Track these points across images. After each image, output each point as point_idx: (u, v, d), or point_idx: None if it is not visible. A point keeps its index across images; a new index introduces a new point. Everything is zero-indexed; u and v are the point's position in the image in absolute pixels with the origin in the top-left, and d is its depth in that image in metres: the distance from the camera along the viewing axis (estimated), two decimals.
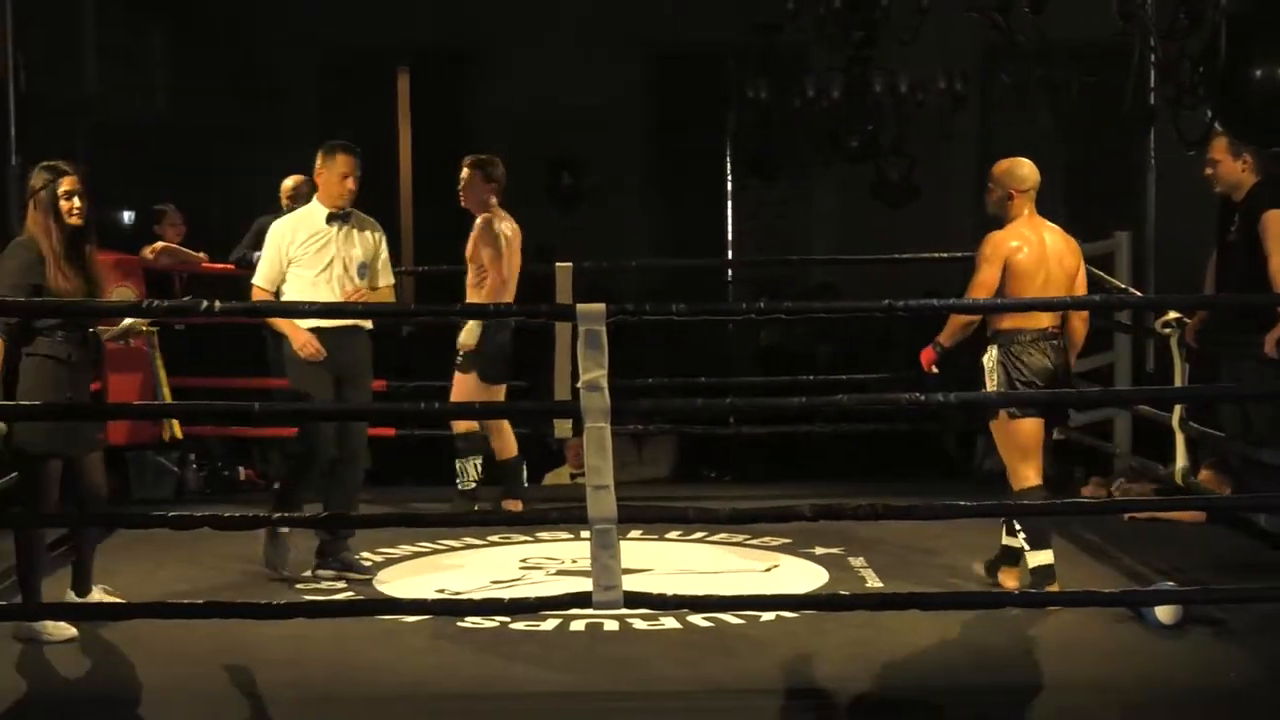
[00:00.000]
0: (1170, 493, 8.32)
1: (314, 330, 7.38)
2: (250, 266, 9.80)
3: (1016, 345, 6.91)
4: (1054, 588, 6.93)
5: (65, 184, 6.36)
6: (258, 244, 9.85)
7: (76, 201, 6.35)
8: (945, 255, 10.74)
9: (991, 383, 6.94)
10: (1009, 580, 7.14)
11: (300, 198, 9.88)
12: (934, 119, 11.98)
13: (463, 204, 8.72)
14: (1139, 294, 9.46)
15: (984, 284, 6.91)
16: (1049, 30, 9.84)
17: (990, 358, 6.97)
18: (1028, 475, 6.96)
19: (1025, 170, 7.10)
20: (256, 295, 7.48)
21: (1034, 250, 6.98)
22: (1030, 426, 6.96)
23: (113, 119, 12.37)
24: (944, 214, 13.43)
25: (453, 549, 8.11)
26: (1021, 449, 6.98)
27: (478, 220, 8.63)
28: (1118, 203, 12.58)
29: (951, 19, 11.37)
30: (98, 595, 6.77)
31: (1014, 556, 7.14)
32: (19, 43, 9.53)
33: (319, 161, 7.55)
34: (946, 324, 7.05)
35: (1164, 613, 6.47)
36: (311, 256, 7.46)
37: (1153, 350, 10.10)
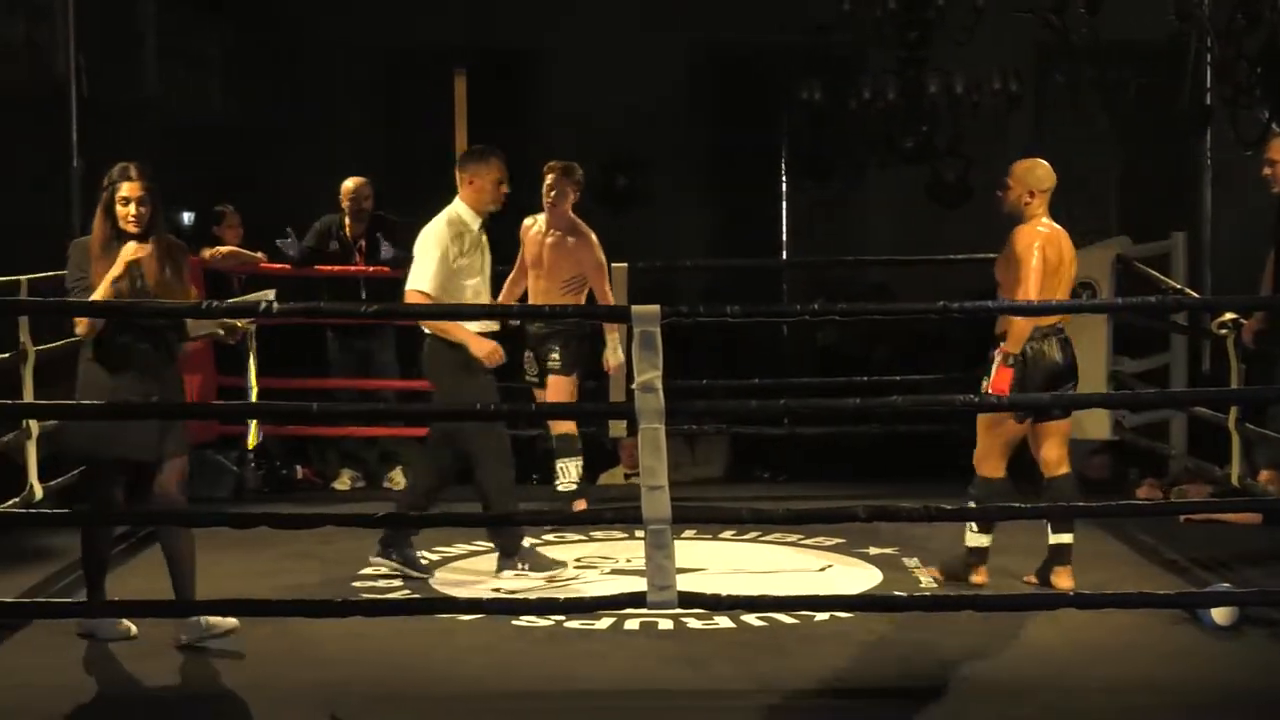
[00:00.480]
0: (1226, 494, 8.29)
1: (483, 336, 7.35)
2: (288, 258, 9.88)
3: (1030, 341, 6.98)
4: (980, 576, 7.12)
5: (125, 189, 6.31)
6: (320, 244, 9.94)
7: (133, 209, 6.27)
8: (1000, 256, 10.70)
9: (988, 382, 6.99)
10: (1063, 581, 7.14)
11: (360, 200, 9.96)
12: (989, 119, 11.94)
13: (552, 211, 8.59)
14: (1195, 295, 9.42)
15: (1037, 283, 6.92)
16: (1104, 30, 9.83)
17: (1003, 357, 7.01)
18: (999, 467, 7.10)
19: (1044, 171, 7.17)
20: (417, 300, 7.26)
21: (1056, 249, 7.05)
22: (1019, 423, 7.07)
23: (173, 120, 12.45)
24: (999, 215, 13.37)
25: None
26: (1005, 443, 7.10)
27: (578, 231, 8.53)
28: (1173, 203, 12.53)
29: (1006, 19, 11.36)
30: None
31: (1063, 555, 7.14)
32: (81, 45, 9.61)
33: (471, 166, 7.39)
34: (1013, 332, 6.98)
35: (1220, 614, 6.45)
36: (471, 263, 7.36)
37: (1209, 351, 10.06)
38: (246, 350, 6.62)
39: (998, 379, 6.95)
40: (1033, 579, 7.27)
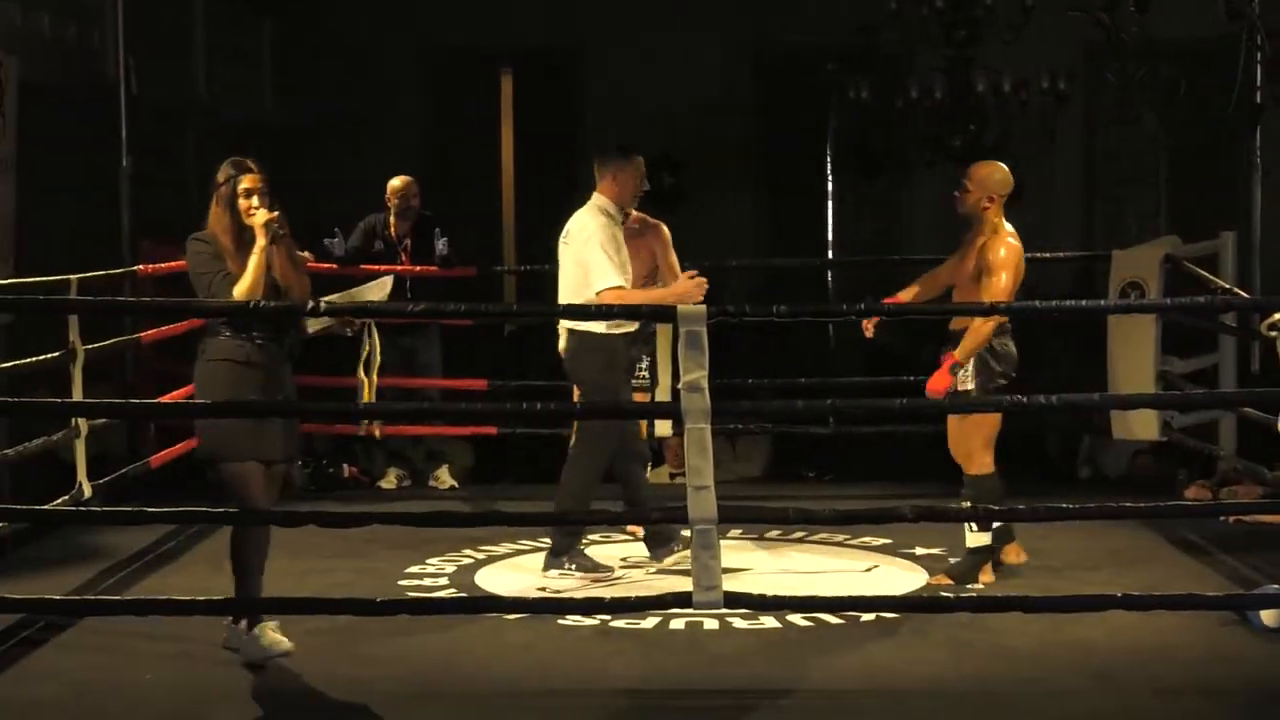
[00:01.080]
0: (1276, 495, 8.23)
1: (621, 334, 7.42)
2: (333, 257, 9.90)
3: (997, 337, 7.09)
4: (987, 577, 7.16)
5: (245, 181, 6.27)
6: (364, 243, 9.96)
7: (255, 200, 6.24)
8: (1049, 255, 10.67)
9: (970, 378, 7.09)
10: (1012, 557, 7.32)
11: (408, 199, 9.97)
12: (1037, 119, 11.89)
13: (633, 204, 8.43)
14: (1244, 295, 9.36)
15: (1009, 292, 7.07)
16: (1154, 29, 9.78)
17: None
18: (988, 462, 7.18)
19: (1004, 175, 7.30)
20: (613, 298, 7.23)
21: (1022, 261, 7.21)
22: (998, 415, 7.17)
23: (220, 119, 12.50)
24: (1047, 214, 13.34)
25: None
26: (988, 436, 7.18)
27: (659, 226, 8.37)
28: (1223, 202, 12.45)
29: (1055, 18, 11.31)
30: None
31: (1005, 535, 7.30)
32: (130, 46, 9.65)
33: (614, 163, 7.49)
34: (972, 341, 7.04)
35: (1269, 616, 6.41)
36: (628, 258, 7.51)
37: (1258, 352, 9.99)
38: (364, 343, 6.55)
39: (938, 381, 7.02)
40: (945, 579, 7.33)
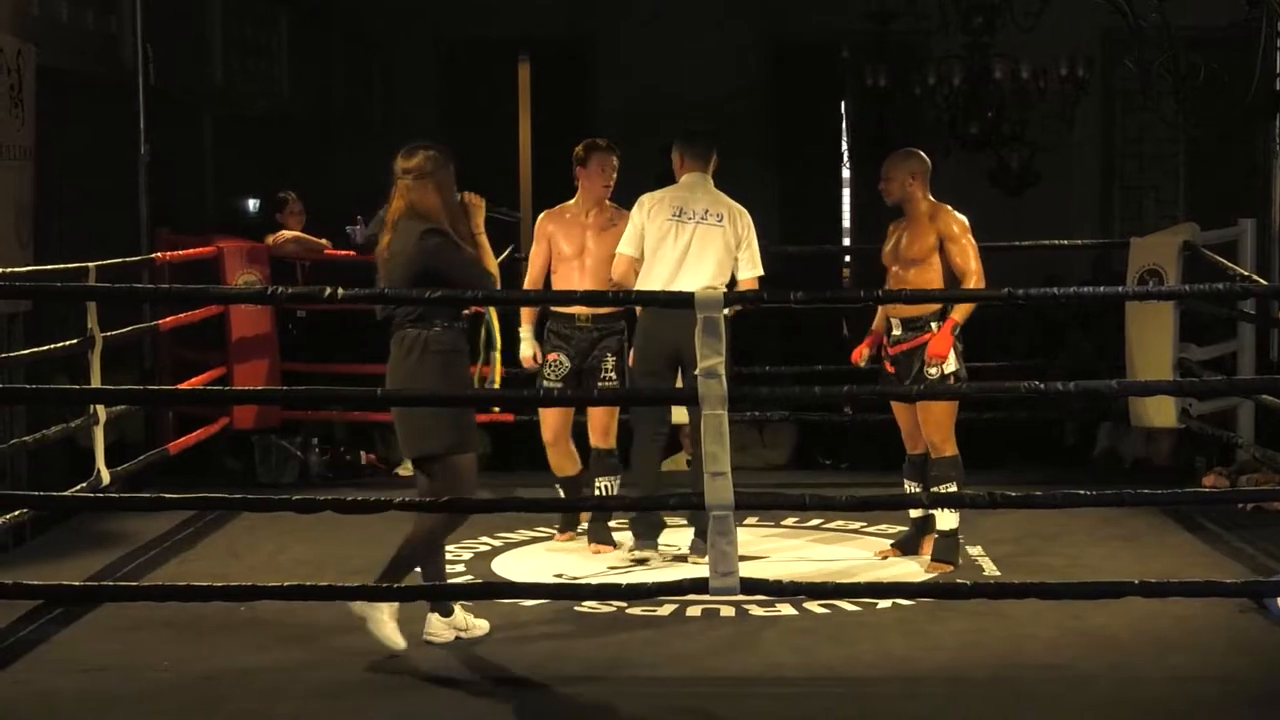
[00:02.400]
0: None
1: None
2: (352, 244, 9.89)
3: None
4: (928, 547, 7.35)
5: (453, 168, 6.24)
6: (382, 230, 9.93)
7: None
8: (1066, 242, 10.66)
9: (955, 359, 7.20)
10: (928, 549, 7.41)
11: None
12: (1056, 106, 11.86)
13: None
14: (1263, 282, 9.33)
15: (979, 258, 7.33)
16: (1173, 16, 9.74)
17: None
18: (952, 446, 7.24)
19: (918, 154, 7.50)
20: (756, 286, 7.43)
21: None
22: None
23: (238, 108, 12.52)
24: (1065, 201, 13.32)
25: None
26: (950, 422, 7.24)
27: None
28: (1242, 190, 12.42)
29: (1074, 5, 11.28)
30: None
31: (929, 527, 7.39)
32: (148, 35, 9.66)
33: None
34: (967, 306, 7.24)
35: None
36: None
37: (1277, 339, 9.96)
38: (487, 326, 6.48)
39: (941, 344, 7.15)
40: (894, 552, 7.51)
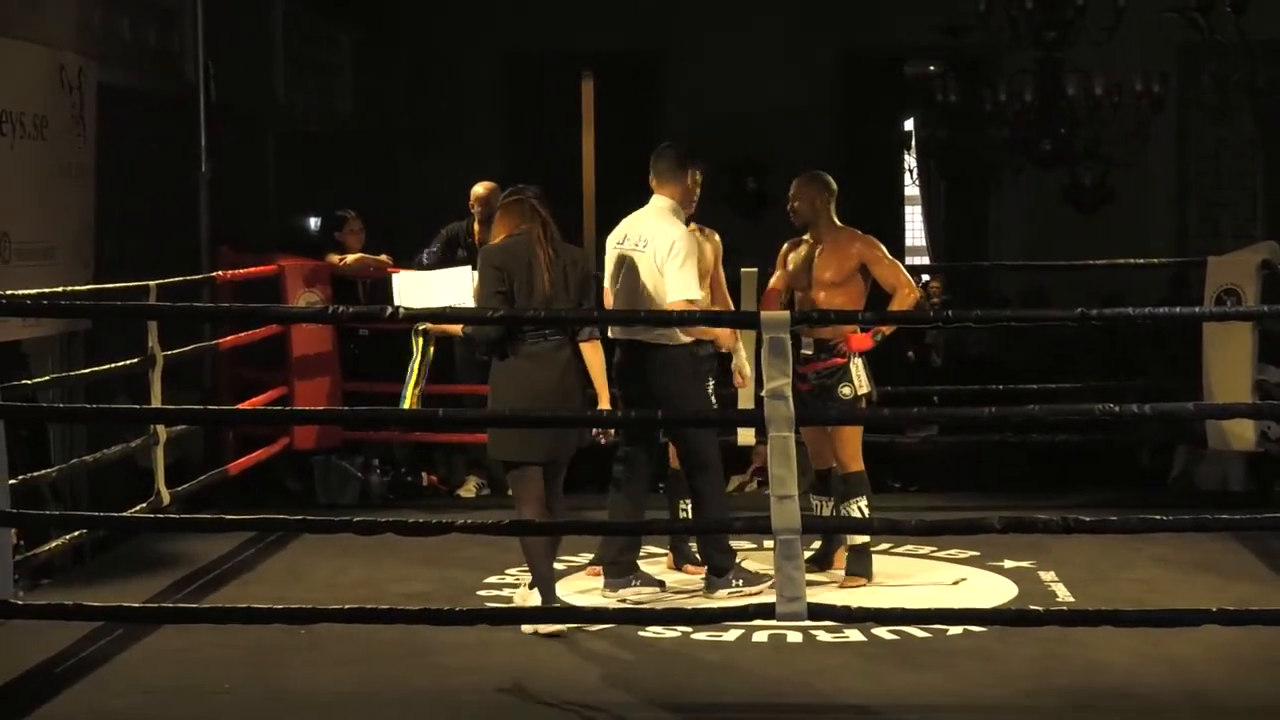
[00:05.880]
0: None
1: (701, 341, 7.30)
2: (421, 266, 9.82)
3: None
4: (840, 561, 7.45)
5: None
6: (446, 251, 9.84)
7: None
8: (1142, 261, 10.51)
9: (861, 383, 7.38)
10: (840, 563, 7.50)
11: (491, 205, 9.88)
12: (1130, 122, 11.71)
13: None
14: None
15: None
16: (1251, 30, 9.61)
17: (856, 359, 7.40)
18: (859, 462, 7.46)
19: (822, 177, 7.58)
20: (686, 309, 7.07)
21: None
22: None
23: (299, 125, 12.50)
24: (1140, 219, 13.16)
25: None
26: (859, 441, 7.48)
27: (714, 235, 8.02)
28: None
29: (1149, 19, 11.13)
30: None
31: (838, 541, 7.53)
32: (209, 51, 9.66)
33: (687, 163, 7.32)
34: (903, 311, 7.44)
35: None
36: None
37: None
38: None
39: (862, 340, 7.34)
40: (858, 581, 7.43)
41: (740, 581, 7.17)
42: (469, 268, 6.79)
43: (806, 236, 7.58)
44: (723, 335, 7.36)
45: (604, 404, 6.75)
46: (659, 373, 7.16)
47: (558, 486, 6.76)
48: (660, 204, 7.26)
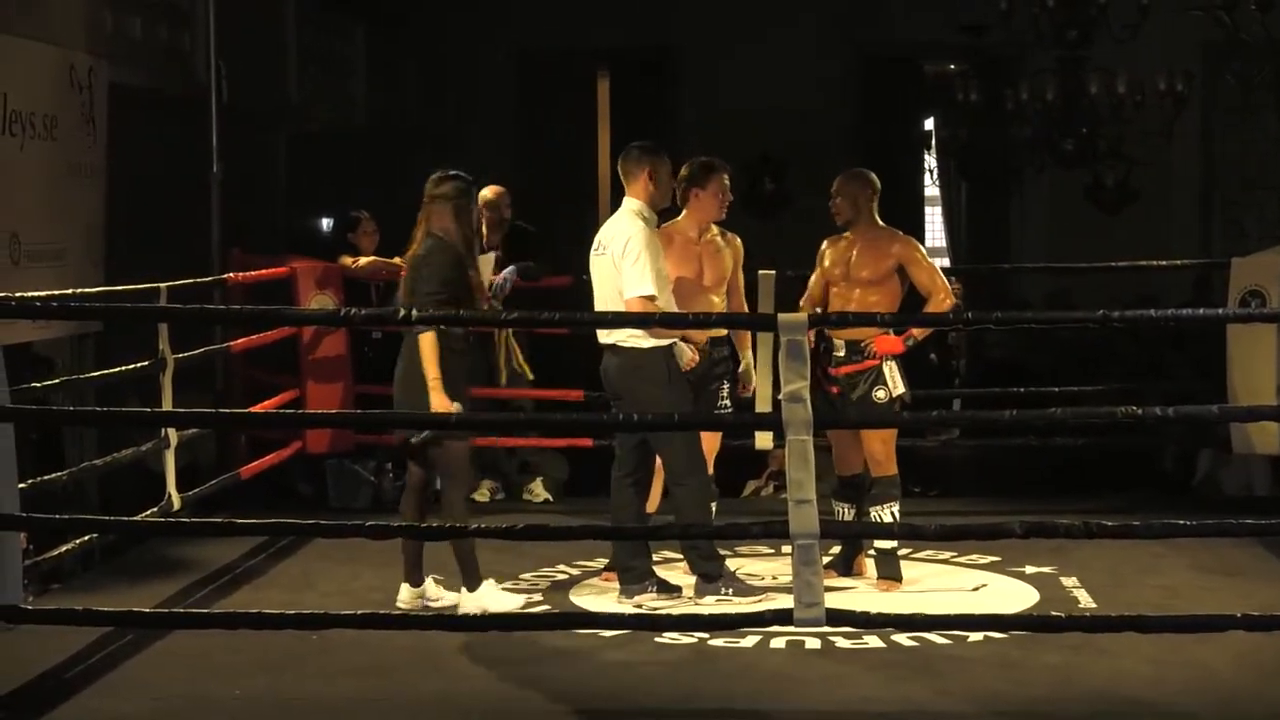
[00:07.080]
0: None
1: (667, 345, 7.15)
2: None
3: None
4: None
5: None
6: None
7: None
8: (1165, 263, 10.44)
9: (896, 385, 7.33)
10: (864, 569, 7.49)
11: (499, 209, 9.83)
12: (1154, 121, 11.63)
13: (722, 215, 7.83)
14: None
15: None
16: (1276, 28, 9.53)
17: (890, 361, 7.34)
18: (893, 465, 7.40)
19: (866, 174, 7.58)
20: (642, 307, 6.91)
21: None
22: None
23: (311, 126, 12.46)
24: (1163, 219, 13.07)
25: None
26: (893, 441, 7.42)
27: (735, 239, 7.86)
28: None
29: (1173, 17, 11.04)
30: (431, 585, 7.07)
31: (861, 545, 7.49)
32: (221, 51, 9.62)
33: (650, 160, 7.23)
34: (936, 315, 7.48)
35: None
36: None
37: None
38: None
39: (891, 343, 7.29)
40: (831, 574, 7.33)
41: (730, 591, 7.10)
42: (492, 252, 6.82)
43: (847, 234, 7.52)
44: (694, 335, 7.18)
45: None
46: (628, 375, 7.10)
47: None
48: (627, 205, 7.21)
